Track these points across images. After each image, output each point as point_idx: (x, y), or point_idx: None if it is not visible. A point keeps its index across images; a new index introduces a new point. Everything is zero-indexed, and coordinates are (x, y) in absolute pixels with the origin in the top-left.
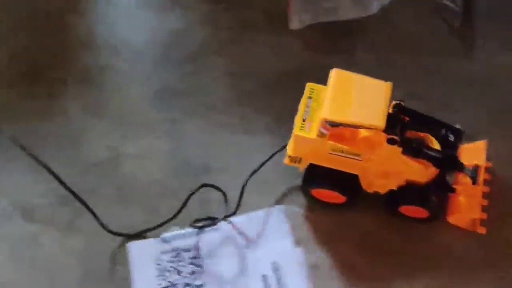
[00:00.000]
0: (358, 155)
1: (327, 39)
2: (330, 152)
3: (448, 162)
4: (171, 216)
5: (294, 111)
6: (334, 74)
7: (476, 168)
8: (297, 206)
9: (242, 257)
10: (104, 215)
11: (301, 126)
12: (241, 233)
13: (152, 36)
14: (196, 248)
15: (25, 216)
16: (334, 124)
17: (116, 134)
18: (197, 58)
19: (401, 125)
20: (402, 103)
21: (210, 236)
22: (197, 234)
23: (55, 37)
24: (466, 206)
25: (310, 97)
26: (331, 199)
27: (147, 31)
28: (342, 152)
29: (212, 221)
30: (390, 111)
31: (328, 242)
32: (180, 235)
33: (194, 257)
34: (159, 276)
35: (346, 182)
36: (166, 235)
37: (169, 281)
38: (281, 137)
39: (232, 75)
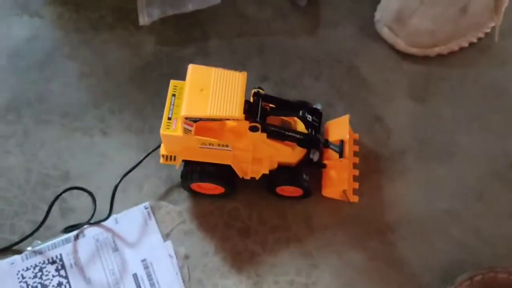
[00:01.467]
0: (227, 146)
1: (179, 31)
2: (201, 146)
3: (311, 141)
4: (28, 229)
5: (154, 107)
6: (190, 70)
7: (341, 143)
8: (164, 201)
9: (111, 261)
10: None
11: (167, 125)
12: (107, 236)
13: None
14: (60, 259)
15: None
16: (194, 120)
17: None
18: (47, 65)
19: (262, 111)
20: (261, 90)
21: (75, 245)
22: (61, 244)
23: None
24: (336, 179)
25: (173, 95)
26: (212, 191)
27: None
28: (212, 145)
29: (76, 227)
30: (251, 99)
31: (198, 230)
32: (44, 248)
33: (59, 268)
34: None
35: (222, 173)
36: (27, 251)
37: None
38: (144, 134)
39: (86, 77)
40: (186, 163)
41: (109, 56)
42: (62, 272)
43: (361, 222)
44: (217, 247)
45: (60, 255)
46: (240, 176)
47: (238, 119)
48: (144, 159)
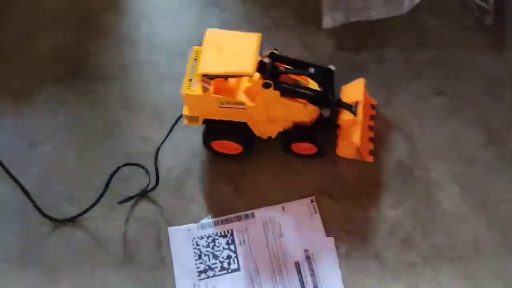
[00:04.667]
0: (243, 104)
1: (357, 38)
2: (220, 105)
3: (322, 98)
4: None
5: None
6: (207, 33)
7: (356, 104)
8: (328, 198)
9: (276, 245)
10: None
11: (188, 85)
12: (274, 221)
13: (191, 35)
14: (231, 234)
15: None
16: (211, 77)
17: (153, 126)
18: None
19: (276, 71)
20: (275, 51)
21: (245, 224)
22: (233, 221)
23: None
24: (349, 136)
25: (195, 59)
26: (230, 150)
27: (186, 30)
28: (229, 103)
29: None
30: (267, 60)
31: (360, 233)
32: (218, 222)
33: (229, 243)
34: (197, 259)
35: (240, 132)
36: (203, 221)
37: (207, 265)
38: None
39: None
40: (207, 123)
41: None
42: (232, 247)
43: None
44: (378, 253)
45: (232, 230)
46: (257, 135)
47: (250, 75)
48: (174, 125)
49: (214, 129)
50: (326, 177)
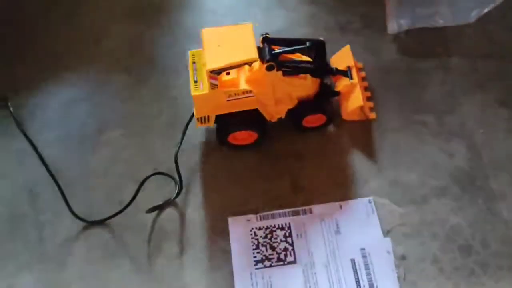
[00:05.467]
0: (251, 92)
1: (422, 44)
2: (228, 99)
3: (321, 69)
4: (262, 195)
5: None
6: (204, 33)
7: (348, 69)
8: (387, 199)
9: (332, 241)
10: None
11: (195, 87)
12: (331, 218)
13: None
14: (289, 227)
15: None
16: (218, 72)
17: None
18: None
19: (273, 53)
20: (268, 35)
21: (302, 218)
22: (291, 215)
23: None
24: (351, 99)
25: (194, 62)
26: (246, 140)
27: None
28: (237, 94)
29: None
30: (261, 45)
31: (418, 236)
32: (276, 214)
33: (287, 236)
34: (255, 249)
35: (252, 119)
36: (262, 213)
37: (264, 255)
38: (377, 130)
39: None
40: (219, 120)
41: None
42: (289, 240)
43: None
44: (436, 257)
45: (289, 224)
46: (268, 119)
47: (256, 60)
48: (186, 128)
49: (227, 123)
50: (385, 179)
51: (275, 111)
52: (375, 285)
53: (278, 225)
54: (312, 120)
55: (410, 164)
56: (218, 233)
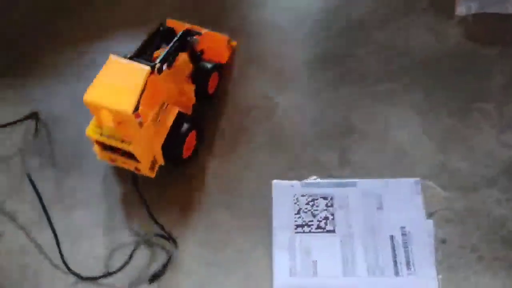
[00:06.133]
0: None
1: (488, 30)
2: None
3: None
4: (309, 164)
5: (445, 92)
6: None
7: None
8: (434, 183)
9: (373, 216)
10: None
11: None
12: (375, 194)
13: (316, 2)
14: (332, 198)
15: None
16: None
17: (273, 85)
18: (355, 31)
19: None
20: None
21: (346, 191)
22: (334, 186)
23: None
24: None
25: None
26: (190, 148)
27: None
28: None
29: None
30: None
31: (460, 223)
32: (321, 184)
33: (328, 205)
34: (296, 214)
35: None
36: (307, 181)
37: (304, 221)
38: (433, 113)
39: (388, 50)
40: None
41: (415, 37)
42: (331, 210)
43: None
44: (476, 245)
45: (332, 194)
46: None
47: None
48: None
49: (177, 142)
50: (435, 163)
51: (186, 102)
52: (411, 264)
53: (322, 194)
54: (213, 81)
55: (462, 151)
56: (261, 195)
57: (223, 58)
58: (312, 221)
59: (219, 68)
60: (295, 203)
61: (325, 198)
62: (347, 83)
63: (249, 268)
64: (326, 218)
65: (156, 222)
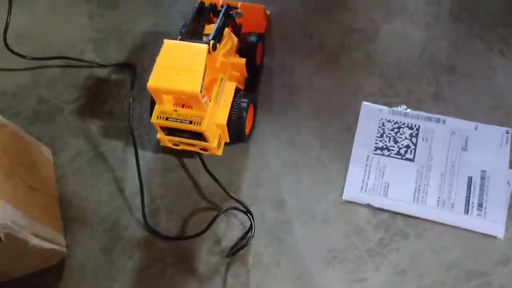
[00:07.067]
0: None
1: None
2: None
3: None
4: (403, 93)
5: None
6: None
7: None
8: None
9: (456, 154)
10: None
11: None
12: (463, 135)
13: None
14: (417, 129)
15: None
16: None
17: (380, 11)
18: None
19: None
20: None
21: (433, 125)
22: (423, 119)
23: None
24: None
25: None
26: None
27: None
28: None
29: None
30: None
31: None
32: (409, 114)
33: (413, 135)
34: (379, 137)
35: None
36: (396, 109)
37: (385, 144)
38: None
39: None
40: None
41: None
42: (414, 140)
43: None
44: None
45: (419, 126)
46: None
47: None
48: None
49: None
50: None
51: (239, 77)
52: (483, 207)
53: (408, 124)
54: (259, 52)
55: None
56: (348, 111)
57: (261, 27)
58: (393, 146)
59: (262, 38)
60: (379, 126)
61: (410, 128)
62: (458, 23)
63: (325, 174)
64: (407, 146)
65: (231, 197)
